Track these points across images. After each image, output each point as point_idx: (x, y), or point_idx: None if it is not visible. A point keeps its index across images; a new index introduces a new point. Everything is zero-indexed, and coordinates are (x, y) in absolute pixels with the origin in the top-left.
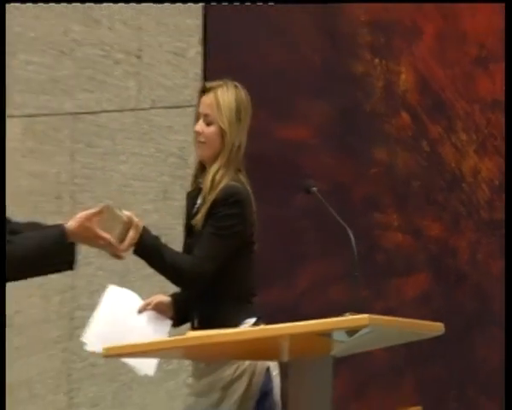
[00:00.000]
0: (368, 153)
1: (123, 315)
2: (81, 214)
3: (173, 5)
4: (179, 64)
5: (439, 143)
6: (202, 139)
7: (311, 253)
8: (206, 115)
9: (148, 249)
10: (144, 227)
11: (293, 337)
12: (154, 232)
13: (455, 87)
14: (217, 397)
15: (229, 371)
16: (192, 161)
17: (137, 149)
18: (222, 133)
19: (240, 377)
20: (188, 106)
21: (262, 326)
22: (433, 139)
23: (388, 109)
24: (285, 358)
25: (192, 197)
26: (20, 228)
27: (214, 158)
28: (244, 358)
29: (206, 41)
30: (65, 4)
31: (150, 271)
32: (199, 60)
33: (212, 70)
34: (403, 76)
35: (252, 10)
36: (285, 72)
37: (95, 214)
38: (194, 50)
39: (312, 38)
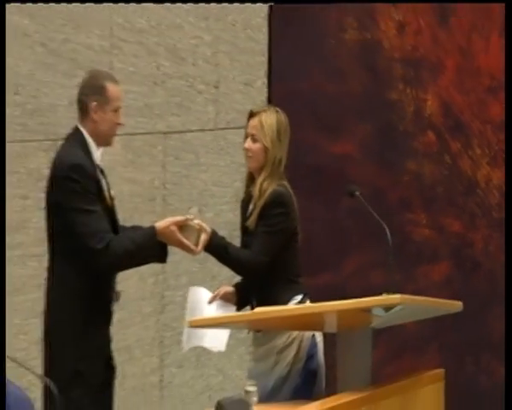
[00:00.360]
0: (401, 164)
1: (200, 310)
2: (169, 219)
3: (244, 45)
4: (248, 92)
5: (459, 156)
6: (250, 154)
7: (354, 245)
8: (252, 135)
9: (217, 248)
10: (213, 230)
11: (341, 312)
12: (229, 228)
13: (471, 111)
14: (272, 361)
15: (281, 340)
16: None
17: (215, 161)
18: (265, 149)
19: (290, 343)
20: None
21: (313, 304)
22: (453, 153)
23: (417, 129)
24: (334, 329)
25: (245, 203)
26: (123, 231)
27: (260, 170)
28: (301, 329)
29: (270, 74)
30: (157, 44)
31: None
32: (264, 89)
33: (275, 97)
34: (429, 102)
35: (307, 49)
36: (334, 98)
37: (179, 222)
38: (261, 81)
39: (356, 72)
